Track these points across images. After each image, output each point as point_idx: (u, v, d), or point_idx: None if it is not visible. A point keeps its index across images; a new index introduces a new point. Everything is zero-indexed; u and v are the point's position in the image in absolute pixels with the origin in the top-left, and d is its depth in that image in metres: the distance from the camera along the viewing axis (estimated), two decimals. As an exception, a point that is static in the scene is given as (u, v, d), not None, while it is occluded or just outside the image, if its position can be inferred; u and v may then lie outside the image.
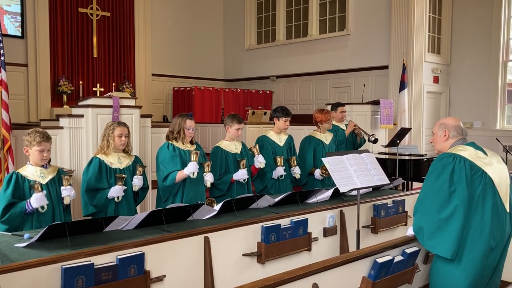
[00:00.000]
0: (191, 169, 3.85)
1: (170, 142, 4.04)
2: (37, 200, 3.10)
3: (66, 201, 3.35)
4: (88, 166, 3.68)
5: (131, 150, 3.90)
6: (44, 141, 3.27)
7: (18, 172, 3.26)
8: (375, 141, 6.31)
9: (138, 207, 5.45)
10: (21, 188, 3.21)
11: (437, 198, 2.70)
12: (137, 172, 3.74)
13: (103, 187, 3.65)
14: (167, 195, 3.98)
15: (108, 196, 3.62)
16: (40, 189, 3.12)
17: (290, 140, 4.99)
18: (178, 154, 3.97)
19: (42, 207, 3.16)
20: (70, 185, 3.33)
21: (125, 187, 3.66)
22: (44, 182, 3.28)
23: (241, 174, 4.27)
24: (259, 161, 4.41)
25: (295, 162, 4.82)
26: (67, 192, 3.31)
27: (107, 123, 3.84)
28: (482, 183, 2.71)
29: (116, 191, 3.60)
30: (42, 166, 3.34)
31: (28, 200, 3.14)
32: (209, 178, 4.05)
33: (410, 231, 2.89)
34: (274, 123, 4.96)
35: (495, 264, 2.77)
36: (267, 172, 4.59)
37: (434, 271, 2.81)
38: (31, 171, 3.28)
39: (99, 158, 3.68)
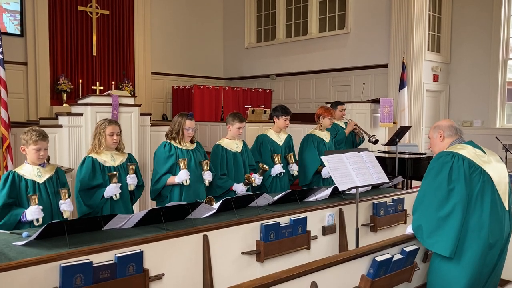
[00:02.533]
0: (182, 177, 3.86)
1: (168, 141, 4.03)
2: (31, 214, 3.04)
3: (65, 215, 3.29)
4: (81, 165, 3.63)
5: (124, 147, 3.87)
6: (41, 139, 3.21)
7: (15, 171, 3.21)
8: (376, 142, 6.31)
9: (136, 206, 5.48)
10: (17, 188, 3.16)
11: (436, 197, 2.71)
12: (129, 172, 3.71)
13: (98, 186, 3.61)
14: (154, 195, 4.00)
15: (104, 196, 3.58)
16: (36, 201, 3.06)
17: (289, 139, 4.98)
18: (173, 154, 3.96)
19: (37, 220, 3.10)
20: (68, 198, 3.27)
21: (120, 184, 3.63)
22: (41, 181, 3.24)
23: (240, 189, 4.26)
24: (256, 183, 4.35)
25: (293, 159, 4.80)
26: (66, 207, 3.25)
27: (97, 122, 3.80)
28: (481, 181, 2.71)
29: (111, 190, 3.56)
30: (40, 165, 3.30)
31: (24, 211, 3.08)
32: (207, 177, 4.04)
33: (409, 230, 2.89)
34: (274, 122, 4.95)
35: (494, 262, 2.76)
36: (265, 171, 4.57)
37: (432, 269, 2.81)
38: (28, 170, 3.24)
39: (92, 157, 3.64)
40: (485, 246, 2.67)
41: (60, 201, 3.24)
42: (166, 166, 3.93)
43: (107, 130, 3.66)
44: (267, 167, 4.38)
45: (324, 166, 4.88)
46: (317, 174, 4.98)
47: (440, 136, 2.91)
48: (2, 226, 3.05)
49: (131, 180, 3.71)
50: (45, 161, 3.35)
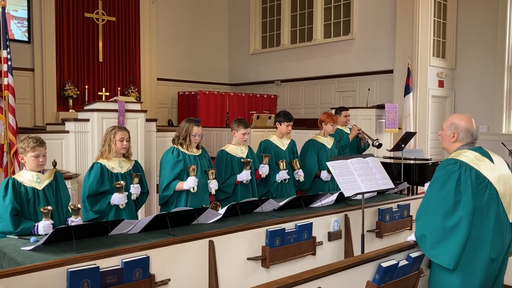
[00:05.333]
0: (190, 184, 3.87)
1: (175, 146, 4.05)
2: (44, 228, 3.04)
3: None
4: (89, 171, 3.66)
5: (131, 154, 3.90)
6: (38, 145, 3.19)
7: (14, 178, 3.17)
8: (379, 146, 6.30)
9: (142, 211, 5.50)
10: (18, 194, 3.13)
11: (442, 207, 2.63)
12: (134, 181, 3.74)
13: (105, 192, 3.65)
14: (163, 201, 4.00)
15: (111, 203, 3.62)
16: (49, 216, 3.06)
17: (292, 144, 4.99)
18: (182, 159, 3.98)
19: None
20: (80, 217, 3.27)
21: (126, 193, 3.66)
22: (40, 188, 3.23)
23: (245, 175, 4.28)
24: (263, 172, 4.46)
25: (298, 165, 4.81)
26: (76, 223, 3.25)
27: (107, 128, 3.85)
28: (487, 193, 2.64)
29: (118, 199, 3.61)
30: (39, 171, 3.26)
31: (36, 224, 3.08)
32: (213, 186, 4.06)
33: (412, 237, 2.85)
34: (276, 128, 4.97)
35: (495, 274, 2.72)
36: (270, 175, 4.59)
37: (433, 280, 2.77)
38: (27, 177, 3.21)
39: (101, 163, 3.67)
40: (487, 260, 2.62)
41: (72, 218, 3.24)
42: (174, 172, 3.94)
43: (117, 136, 3.70)
44: (268, 155, 4.43)
45: (322, 170, 4.93)
46: (316, 179, 5.00)
47: (453, 137, 2.79)
48: (20, 232, 3.04)
49: (134, 190, 3.74)
50: (44, 169, 3.33)
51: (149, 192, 4.01)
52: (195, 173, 3.89)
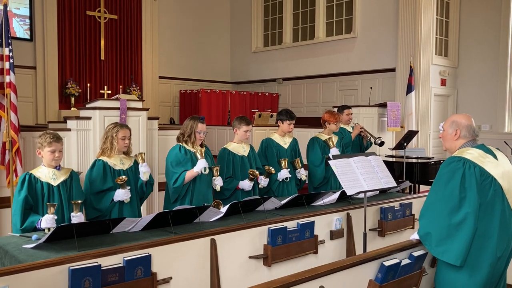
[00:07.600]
0: (201, 165, 3.86)
1: (181, 144, 4.05)
2: (46, 222, 3.07)
3: None
4: (91, 168, 3.67)
5: (131, 151, 3.91)
6: (55, 141, 3.32)
7: (31, 173, 3.29)
8: (381, 144, 6.29)
9: (144, 209, 5.49)
10: (34, 189, 3.24)
11: (447, 205, 2.63)
12: (140, 160, 3.75)
13: (108, 189, 3.65)
14: (176, 196, 3.98)
15: (114, 199, 3.62)
16: (53, 211, 3.09)
17: (294, 143, 4.98)
18: (189, 158, 3.97)
19: (49, 229, 3.13)
20: (80, 212, 3.30)
21: (129, 187, 3.67)
22: (55, 184, 3.32)
23: (247, 186, 4.29)
24: (262, 184, 4.40)
25: (300, 164, 4.80)
26: (77, 220, 3.25)
27: (108, 125, 3.85)
28: (492, 189, 2.64)
29: (121, 195, 3.61)
30: (55, 167, 3.37)
31: (40, 219, 3.12)
32: (218, 182, 4.05)
33: (414, 236, 2.84)
34: (278, 126, 4.96)
35: (501, 270, 2.72)
36: (271, 174, 4.58)
37: (439, 278, 2.76)
38: (44, 173, 3.32)
39: (102, 160, 3.68)
40: (494, 256, 2.62)
41: (72, 214, 3.25)
42: (184, 167, 3.94)
43: (119, 134, 3.71)
44: (273, 169, 4.41)
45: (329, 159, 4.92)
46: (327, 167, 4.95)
47: (456, 134, 2.80)
48: (25, 228, 3.11)
49: (145, 168, 3.76)
50: (60, 165, 3.42)
51: (154, 182, 4.02)
52: (202, 156, 3.90)
